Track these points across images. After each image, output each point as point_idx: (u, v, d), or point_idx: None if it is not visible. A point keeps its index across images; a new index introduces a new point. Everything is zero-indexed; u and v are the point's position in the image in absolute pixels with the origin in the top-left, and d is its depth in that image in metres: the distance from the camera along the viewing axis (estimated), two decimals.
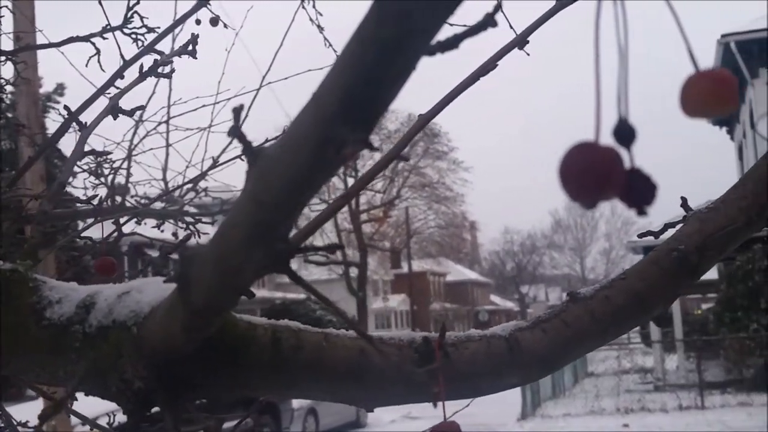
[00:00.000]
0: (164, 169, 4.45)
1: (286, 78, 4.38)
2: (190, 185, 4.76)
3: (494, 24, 0.78)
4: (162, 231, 3.67)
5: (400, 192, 43.06)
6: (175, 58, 2.01)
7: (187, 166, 4.32)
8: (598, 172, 0.54)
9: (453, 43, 0.75)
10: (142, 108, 1.86)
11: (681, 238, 1.16)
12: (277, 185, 0.73)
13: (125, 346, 0.91)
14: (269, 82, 4.45)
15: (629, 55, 0.57)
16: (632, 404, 17.53)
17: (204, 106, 4.71)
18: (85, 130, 1.61)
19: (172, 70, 1.80)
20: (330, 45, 3.75)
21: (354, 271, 40.50)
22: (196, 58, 1.78)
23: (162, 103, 4.00)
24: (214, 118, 4.74)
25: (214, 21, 2.67)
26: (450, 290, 59.63)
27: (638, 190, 0.57)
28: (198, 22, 2.55)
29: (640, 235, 1.35)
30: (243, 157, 0.74)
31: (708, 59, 22.28)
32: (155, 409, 0.93)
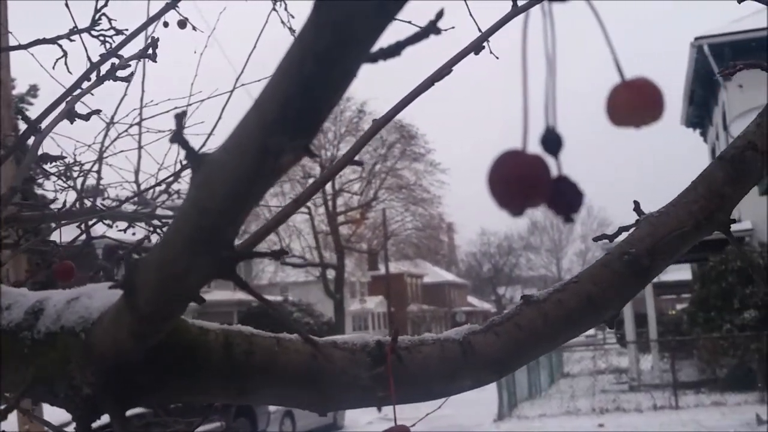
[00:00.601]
0: (136, 172, 4.43)
1: (260, 80, 4.34)
2: (162, 187, 4.74)
3: (437, 31, 0.79)
4: (134, 234, 3.65)
5: (377, 194, 43.05)
6: (159, 60, 2.01)
7: (159, 169, 4.30)
8: (524, 180, 0.55)
9: (395, 50, 0.76)
10: (98, 112, 1.85)
11: (633, 241, 1.17)
12: (220, 192, 0.73)
13: (73, 353, 0.91)
14: (242, 84, 4.44)
15: (557, 62, 0.58)
16: (607, 404, 17.64)
17: (176, 108, 4.69)
18: (39, 135, 1.60)
19: (132, 74, 1.79)
20: None
21: (331, 273, 40.44)
22: (156, 62, 1.78)
23: (134, 105, 3.99)
24: (187, 120, 4.71)
25: (182, 23, 2.66)
26: (427, 292, 59.69)
27: (565, 198, 0.57)
28: (166, 24, 2.54)
29: (596, 239, 1.36)
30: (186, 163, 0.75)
31: (683, 61, 22.49)
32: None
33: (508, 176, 0.55)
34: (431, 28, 0.78)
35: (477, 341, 1.11)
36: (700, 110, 25.93)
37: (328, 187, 41.12)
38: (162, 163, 4.40)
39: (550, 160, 0.58)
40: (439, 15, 0.79)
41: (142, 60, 1.78)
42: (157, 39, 1.79)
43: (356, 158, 1.08)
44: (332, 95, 0.70)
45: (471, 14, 2.38)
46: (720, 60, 20.18)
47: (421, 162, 43.32)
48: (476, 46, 1.24)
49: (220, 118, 3.76)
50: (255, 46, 3.76)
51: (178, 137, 0.75)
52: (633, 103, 0.57)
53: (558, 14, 0.65)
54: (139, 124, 4.43)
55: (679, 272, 28.45)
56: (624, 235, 1.24)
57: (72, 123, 1.62)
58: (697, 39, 20.85)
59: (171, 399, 0.99)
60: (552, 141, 0.58)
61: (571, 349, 24.95)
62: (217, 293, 36.68)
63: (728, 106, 20.71)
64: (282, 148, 0.70)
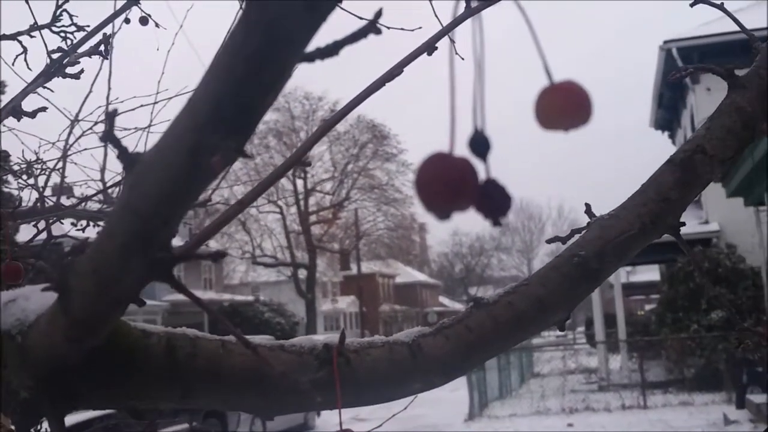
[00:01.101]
0: (102, 170, 4.38)
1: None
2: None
3: (377, 31, 0.78)
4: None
5: (349, 194, 42.97)
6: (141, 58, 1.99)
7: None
8: (449, 183, 0.54)
9: (332, 49, 0.75)
10: (44, 110, 1.82)
11: (582, 244, 1.17)
12: (153, 193, 0.72)
13: (9, 356, 0.89)
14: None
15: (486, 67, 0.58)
16: (577, 404, 17.74)
17: (142, 105, 4.66)
18: None
19: (82, 71, 1.76)
20: None
21: (303, 273, 40.32)
22: (107, 59, 1.75)
23: (101, 102, 3.95)
24: (154, 118, 4.68)
25: (144, 20, 2.64)
26: (399, 292, 59.68)
27: (493, 201, 0.57)
28: (127, 21, 2.52)
29: (548, 241, 1.36)
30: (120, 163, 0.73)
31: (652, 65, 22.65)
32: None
33: (433, 179, 0.54)
34: (370, 28, 0.77)
35: (426, 344, 1.10)
36: (669, 113, 26.16)
37: (300, 186, 41.01)
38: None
39: (478, 162, 0.58)
40: (378, 14, 0.78)
41: (105, 57, 1.76)
42: (111, 36, 1.77)
43: (304, 158, 1.06)
44: (266, 95, 0.69)
45: (435, 14, 2.38)
46: (688, 63, 20.33)
47: (393, 162, 43.33)
48: (428, 47, 1.23)
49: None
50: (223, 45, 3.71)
51: (108, 136, 0.73)
52: (560, 106, 0.56)
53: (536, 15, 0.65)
54: (104, 121, 4.38)
55: (648, 273, 28.70)
56: (576, 238, 1.24)
57: (19, 120, 1.59)
58: (665, 42, 21.01)
59: (112, 403, 0.97)
60: (480, 143, 0.57)
61: (542, 349, 25.08)
62: None
63: (696, 109, 20.91)
64: (215, 148, 0.69)
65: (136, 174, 0.73)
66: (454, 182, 0.54)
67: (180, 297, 35.73)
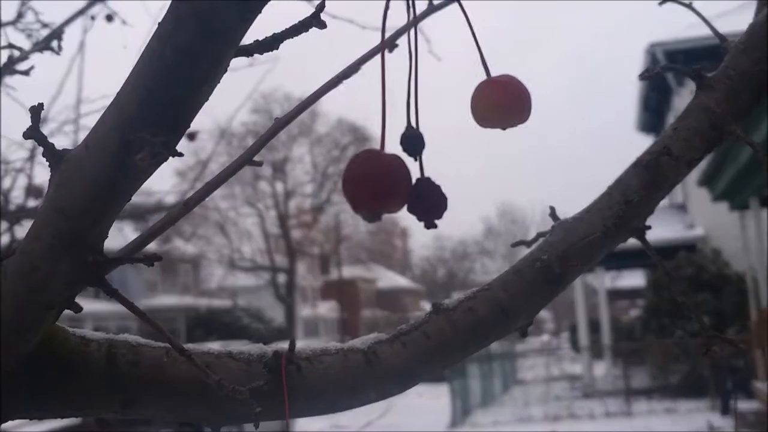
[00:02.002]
0: None
1: None
2: None
3: (320, 24, 0.75)
4: None
5: (330, 197, 42.78)
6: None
7: None
8: (377, 182, 0.51)
9: (271, 43, 0.72)
10: None
11: (546, 248, 1.14)
12: (79, 191, 0.69)
13: None
14: None
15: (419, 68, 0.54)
16: (561, 411, 17.74)
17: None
18: None
19: (32, 68, 1.72)
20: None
21: (282, 278, 40.08)
22: (59, 54, 1.71)
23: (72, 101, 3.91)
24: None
25: (110, 18, 2.62)
26: (381, 297, 59.50)
27: (426, 202, 0.54)
28: (92, 18, 2.49)
29: (513, 245, 1.33)
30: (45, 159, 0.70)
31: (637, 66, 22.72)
32: None
33: (360, 177, 0.51)
34: (313, 21, 0.74)
35: (383, 351, 1.06)
36: (655, 115, 26.27)
37: (280, 189, 40.75)
38: None
39: (410, 161, 0.54)
40: (321, 7, 0.74)
41: (57, 53, 1.71)
42: (62, 31, 1.73)
43: (256, 159, 1.03)
44: (198, 89, 0.66)
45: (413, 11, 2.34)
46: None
47: None
48: (389, 44, 1.20)
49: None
50: None
51: (33, 132, 0.70)
52: (497, 103, 0.53)
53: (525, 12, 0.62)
54: (75, 120, 4.34)
55: (633, 279, 28.77)
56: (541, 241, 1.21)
57: None
58: (651, 45, 21.08)
59: (49, 414, 0.93)
60: (412, 141, 0.54)
61: (525, 356, 25.06)
62: (164, 298, 36.28)
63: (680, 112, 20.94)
64: (143, 145, 0.65)
65: (62, 172, 0.70)
66: (383, 181, 0.50)
67: (156, 302, 35.58)
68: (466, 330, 1.09)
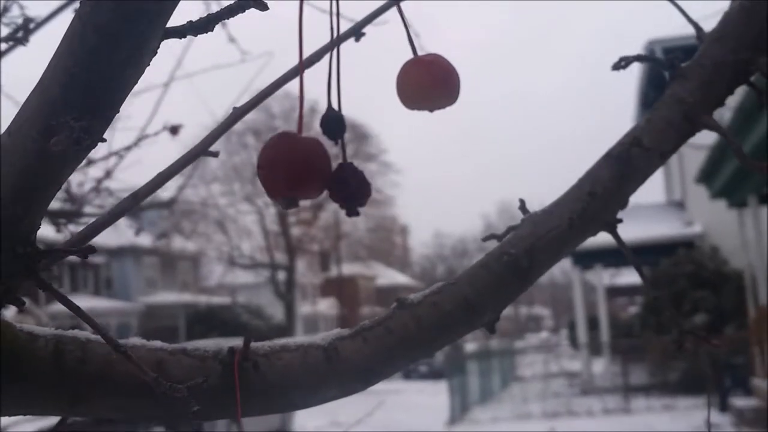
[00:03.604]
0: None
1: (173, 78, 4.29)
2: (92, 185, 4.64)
3: (261, 6, 0.72)
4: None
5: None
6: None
7: (89, 162, 4.19)
8: (293, 167, 0.48)
9: (205, 25, 0.69)
10: None
11: (514, 241, 1.11)
12: (6, 181, 0.66)
13: None
14: (171, 79, 4.35)
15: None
16: (559, 408, 17.73)
17: None
18: None
19: None
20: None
21: (282, 275, 40.02)
22: (25, 45, 1.68)
23: None
24: (120, 114, 4.61)
25: None
26: (380, 294, 59.37)
27: (347, 188, 0.51)
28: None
29: (484, 239, 1.30)
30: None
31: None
32: None
33: (273, 163, 0.48)
34: (251, 2, 0.71)
35: (344, 347, 1.03)
36: None
37: None
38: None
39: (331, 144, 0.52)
40: None
41: (23, 44, 1.68)
42: (30, 20, 1.69)
43: (212, 149, 1.00)
44: (121, 72, 0.63)
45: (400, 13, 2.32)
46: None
47: (374, 162, 43.10)
48: (354, 32, 1.17)
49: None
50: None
51: None
52: (421, 83, 0.50)
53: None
54: None
55: (632, 276, 28.74)
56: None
57: None
58: (650, 43, 21.03)
59: None
60: (333, 124, 0.51)
61: (524, 353, 25.03)
62: (164, 295, 36.26)
63: None
64: (67, 130, 0.63)
65: None
66: (297, 167, 0.48)
67: (155, 299, 35.57)
68: (431, 325, 1.06)
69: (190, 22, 0.67)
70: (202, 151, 0.99)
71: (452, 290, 1.09)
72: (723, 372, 16.28)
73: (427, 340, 1.07)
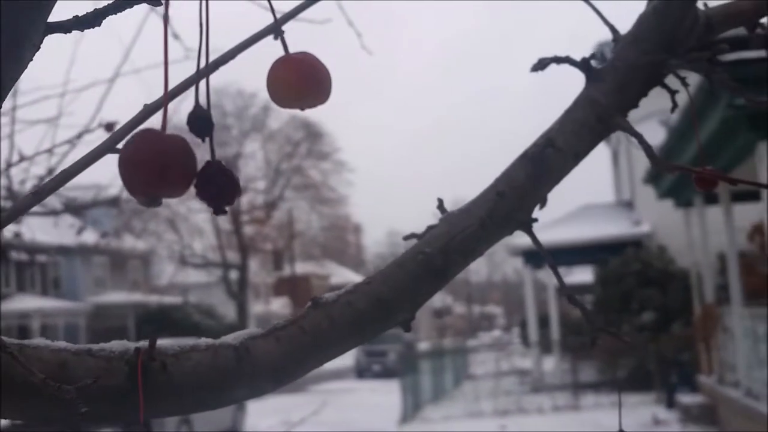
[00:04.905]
0: (8, 164, 4.23)
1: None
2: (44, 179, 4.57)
3: (154, 2, 0.71)
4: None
5: (282, 193, 42.46)
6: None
7: (21, 159, 4.12)
8: (155, 164, 0.47)
9: (92, 20, 0.68)
10: None
11: (429, 240, 1.12)
12: None
13: None
14: (117, 75, 4.30)
15: None
16: (510, 406, 17.87)
17: (47, 97, 4.52)
18: None
19: None
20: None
21: (234, 274, 39.76)
22: None
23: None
24: (63, 110, 4.55)
25: None
26: None
27: (213, 186, 0.50)
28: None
29: (405, 238, 1.30)
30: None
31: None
32: None
33: (134, 160, 0.47)
34: None
35: (256, 346, 1.03)
36: None
37: None
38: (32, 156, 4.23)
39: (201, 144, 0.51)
40: None
41: None
42: None
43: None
44: (4, 62, 0.62)
45: (344, 10, 2.31)
46: None
47: (328, 161, 42.98)
48: (274, 29, 1.16)
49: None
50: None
51: None
52: (290, 81, 0.50)
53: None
54: (11, 112, 4.25)
55: (583, 275, 29.06)
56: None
57: None
58: (599, 45, 21.25)
59: None
60: (200, 122, 0.51)
61: (476, 351, 25.18)
62: (113, 294, 35.84)
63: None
64: None
65: None
66: (157, 164, 0.47)
67: (104, 299, 35.12)
68: (345, 324, 1.06)
69: (76, 16, 0.66)
70: (109, 148, 0.98)
71: (367, 289, 1.09)
72: (670, 369, 16.53)
73: (340, 338, 1.07)
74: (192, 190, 0.60)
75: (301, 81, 0.50)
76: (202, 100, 0.51)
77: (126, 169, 0.48)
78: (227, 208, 0.52)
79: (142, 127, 1.05)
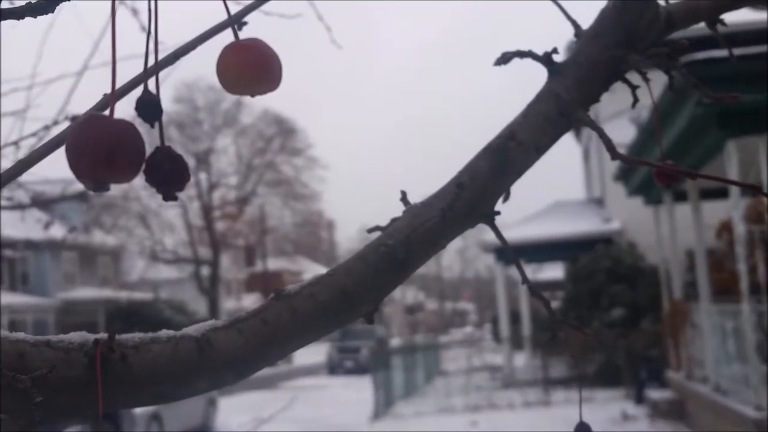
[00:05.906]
0: None
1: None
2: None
3: None
4: None
5: (255, 188, 42.29)
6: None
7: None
8: (102, 149, 0.47)
9: (45, 6, 0.67)
10: None
11: (392, 232, 1.12)
12: None
13: None
14: (85, 68, 4.26)
15: None
16: (481, 401, 17.95)
17: (15, 90, 4.48)
18: None
19: None
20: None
21: (206, 270, 39.56)
22: None
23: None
24: (31, 103, 4.51)
25: None
26: None
27: (161, 172, 0.50)
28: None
29: (369, 230, 1.30)
30: None
31: None
32: None
33: (79, 144, 0.47)
34: None
35: (217, 338, 1.03)
36: None
37: (204, 180, 40.14)
38: None
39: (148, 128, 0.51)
40: None
41: None
42: None
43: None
44: None
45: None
46: None
47: (300, 157, 42.86)
48: (235, 22, 1.16)
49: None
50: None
51: None
52: (239, 68, 0.50)
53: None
54: None
55: (554, 271, 29.24)
56: None
57: None
58: (571, 43, 21.37)
59: None
60: (148, 106, 0.50)
61: (448, 347, 25.24)
62: (83, 290, 35.56)
63: (599, 109, 21.36)
64: None
65: None
66: (103, 149, 0.47)
67: (74, 295, 34.81)
68: (307, 316, 1.07)
69: (29, 3, 0.66)
70: (65, 138, 0.97)
71: (329, 281, 1.09)
72: (639, 365, 16.67)
73: (302, 330, 1.07)
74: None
75: (250, 67, 0.50)
76: (153, 87, 0.51)
77: (72, 153, 0.48)
78: (186, 197, 0.51)
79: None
